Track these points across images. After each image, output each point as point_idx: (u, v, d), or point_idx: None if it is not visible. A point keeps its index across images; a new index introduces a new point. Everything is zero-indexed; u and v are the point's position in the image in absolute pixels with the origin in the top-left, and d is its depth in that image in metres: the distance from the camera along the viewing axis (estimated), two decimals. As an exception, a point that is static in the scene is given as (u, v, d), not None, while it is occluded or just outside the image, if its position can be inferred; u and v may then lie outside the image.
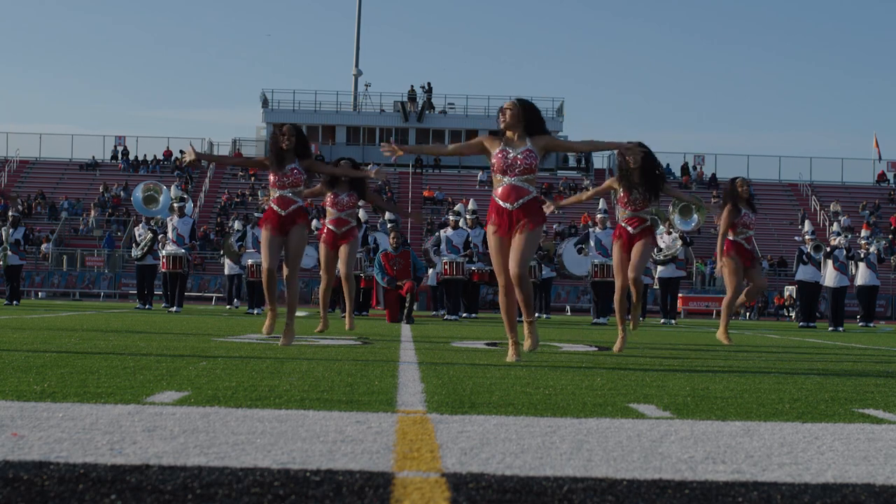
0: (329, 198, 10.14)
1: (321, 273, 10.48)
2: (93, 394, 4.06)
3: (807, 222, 21.10)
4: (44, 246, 38.18)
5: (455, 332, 11.61)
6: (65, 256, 38.89)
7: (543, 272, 20.19)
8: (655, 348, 9.09)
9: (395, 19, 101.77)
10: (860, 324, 20.44)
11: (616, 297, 8.52)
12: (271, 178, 8.04)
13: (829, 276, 19.13)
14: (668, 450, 3.05)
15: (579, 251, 18.26)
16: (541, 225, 6.85)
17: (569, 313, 31.07)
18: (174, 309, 18.30)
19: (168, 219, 19.12)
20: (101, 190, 45.50)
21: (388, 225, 18.86)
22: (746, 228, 10.29)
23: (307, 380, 4.88)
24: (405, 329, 12.19)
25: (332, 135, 52.35)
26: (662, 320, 19.14)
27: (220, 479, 2.45)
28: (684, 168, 50.05)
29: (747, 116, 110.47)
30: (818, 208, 46.36)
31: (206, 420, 3.39)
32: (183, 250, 18.81)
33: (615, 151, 8.82)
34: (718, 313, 33.92)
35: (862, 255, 19.89)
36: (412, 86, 53.09)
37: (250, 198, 44.15)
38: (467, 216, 18.74)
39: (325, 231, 10.32)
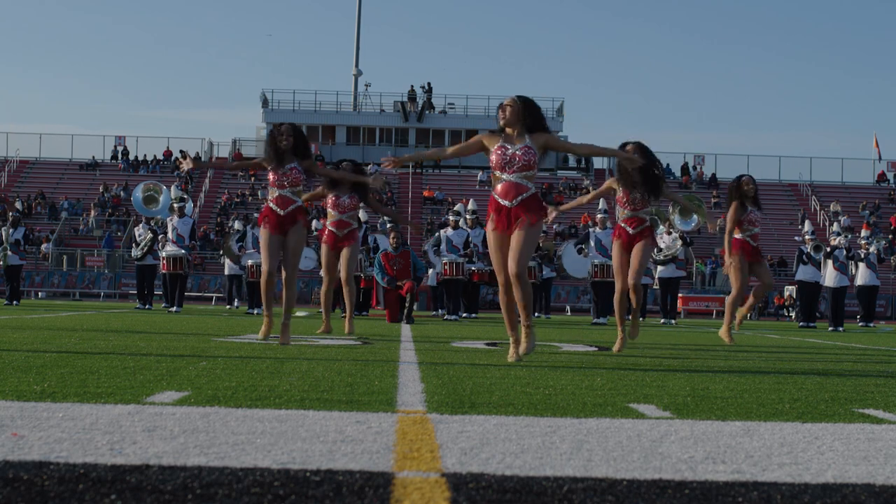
0: (330, 199, 10.13)
1: (323, 275, 10.44)
2: (93, 394, 4.06)
3: (807, 222, 21.10)
4: (44, 246, 38.18)
5: (455, 332, 11.60)
6: (65, 256, 38.89)
7: (543, 272, 20.21)
8: (655, 348, 9.09)
9: (395, 19, 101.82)
10: (860, 324, 20.44)
11: (616, 298, 8.52)
12: (270, 177, 8.03)
13: (829, 277, 19.13)
14: (668, 450, 3.05)
15: (579, 251, 18.27)
16: (540, 221, 6.81)
17: (569, 313, 31.07)
18: (174, 309, 18.29)
19: (168, 219, 19.11)
20: (101, 190, 45.50)
21: (388, 225, 18.88)
22: (752, 226, 10.31)
23: (307, 380, 4.88)
24: (405, 329, 12.19)
25: (332, 135, 52.35)
26: (662, 320, 19.14)
27: (220, 479, 2.45)
28: (684, 168, 50.05)
29: (747, 116, 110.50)
30: (818, 208, 46.36)
31: (206, 420, 3.39)
32: (183, 251, 18.80)
33: (619, 146, 8.80)
34: (719, 313, 34.01)
35: (862, 256, 19.89)
36: (412, 86, 53.14)
37: (250, 198, 44.16)
38: (467, 216, 18.74)
39: (326, 233, 10.29)
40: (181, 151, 50.17)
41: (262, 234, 8.03)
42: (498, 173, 6.79)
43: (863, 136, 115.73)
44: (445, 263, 17.89)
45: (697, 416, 3.90)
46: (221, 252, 23.03)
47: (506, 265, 6.76)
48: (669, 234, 18.63)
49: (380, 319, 16.05)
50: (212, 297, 33.71)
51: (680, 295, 29.26)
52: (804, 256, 19.30)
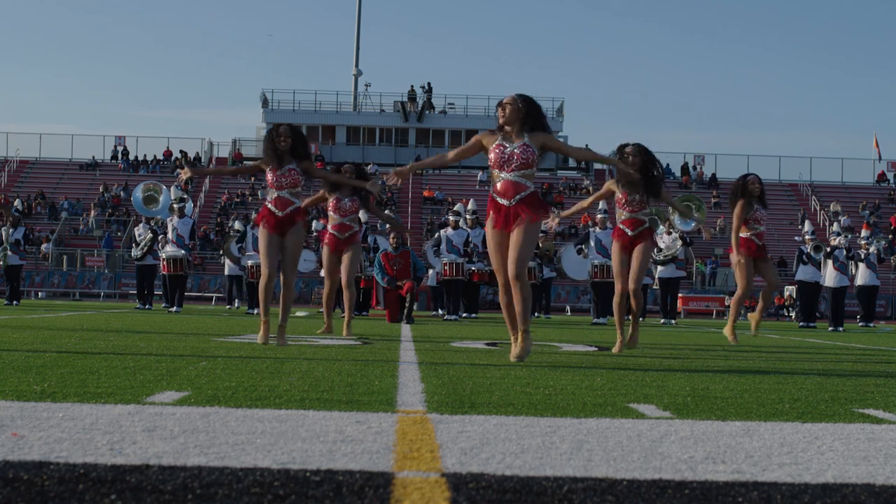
0: (332, 202, 10.10)
1: (324, 277, 10.42)
2: (93, 394, 4.05)
3: (807, 222, 21.10)
4: (44, 246, 38.18)
5: (455, 332, 11.60)
6: (65, 256, 38.90)
7: (543, 273, 20.20)
8: (655, 348, 9.09)
9: (395, 19, 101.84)
10: (860, 324, 20.44)
11: (615, 301, 8.49)
12: (268, 178, 8.00)
13: (829, 277, 19.13)
14: (668, 450, 3.05)
15: (579, 251, 18.27)
16: (540, 219, 6.75)
17: (569, 313, 31.06)
18: (174, 309, 18.29)
19: (168, 219, 19.12)
20: (101, 190, 45.50)
21: (388, 226, 18.87)
22: (758, 224, 10.34)
23: (307, 380, 4.88)
24: (405, 329, 12.19)
25: (332, 135, 52.35)
26: (662, 320, 19.14)
27: (220, 479, 2.45)
28: (684, 168, 50.05)
29: (747, 116, 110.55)
30: (818, 208, 46.36)
31: (206, 420, 3.39)
32: (183, 252, 18.80)
33: (615, 151, 8.79)
34: (719, 313, 34.01)
35: (862, 256, 19.89)
36: (412, 86, 53.16)
37: (250, 198, 44.16)
38: (467, 216, 18.74)
39: (327, 236, 10.25)
40: (180, 152, 49.77)
41: (261, 233, 8.01)
42: (496, 172, 6.75)
43: (863, 136, 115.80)
44: (445, 264, 17.89)
45: (697, 416, 3.90)
46: (221, 252, 23.03)
47: (505, 265, 6.74)
48: (669, 234, 18.63)
49: (380, 319, 16.05)
50: (212, 297, 33.70)
51: (680, 295, 29.27)
52: (804, 256, 19.30)
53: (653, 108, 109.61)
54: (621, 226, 8.45)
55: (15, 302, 20.10)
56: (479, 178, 46.91)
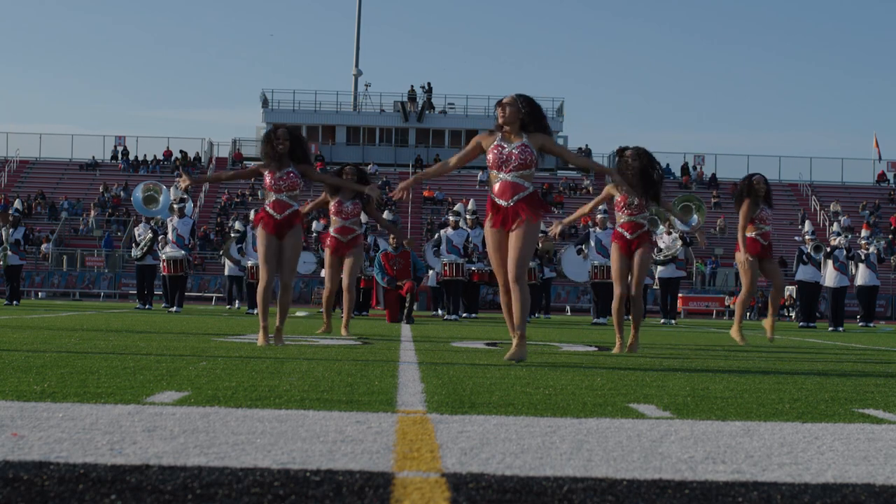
0: (334, 205, 10.07)
1: (325, 280, 10.38)
2: (93, 394, 4.05)
3: (807, 222, 21.11)
4: (44, 246, 38.16)
5: (455, 332, 11.60)
6: (65, 256, 38.91)
7: (544, 273, 20.21)
8: (655, 348, 9.09)
9: (395, 19, 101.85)
10: (860, 324, 20.44)
11: (614, 305, 8.46)
12: (266, 181, 7.97)
13: (829, 277, 19.13)
14: (668, 450, 3.05)
15: (579, 251, 18.27)
16: (539, 219, 6.70)
17: (569, 313, 31.07)
18: (174, 309, 18.30)
19: (168, 219, 19.11)
20: (101, 190, 45.51)
21: (384, 218, 18.87)
22: (763, 224, 10.37)
23: (307, 380, 4.88)
24: (405, 329, 12.19)
25: (332, 135, 52.35)
26: (662, 320, 19.14)
27: (220, 479, 2.45)
28: (684, 168, 50.06)
29: (747, 116, 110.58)
30: (818, 208, 46.37)
31: (206, 420, 3.39)
32: (183, 252, 18.80)
33: (615, 153, 8.79)
34: (719, 313, 34.01)
35: (862, 256, 19.89)
36: (412, 86, 53.17)
37: (250, 198, 44.16)
38: (467, 216, 18.74)
39: (329, 238, 10.20)
40: (180, 152, 49.62)
41: (259, 236, 7.97)
42: (494, 172, 6.70)
43: (863, 136, 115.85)
44: (445, 264, 17.89)
45: (697, 416, 3.90)
46: (221, 253, 23.04)
47: (505, 266, 6.71)
48: (669, 234, 18.63)
49: (380, 319, 16.05)
50: (212, 297, 33.72)
51: (680, 295, 29.26)
52: (804, 256, 19.30)
53: (653, 108, 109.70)
54: (620, 229, 8.44)
55: (15, 302, 20.10)
56: (479, 178, 46.91)
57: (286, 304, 8.03)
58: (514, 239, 6.62)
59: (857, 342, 12.27)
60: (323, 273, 19.33)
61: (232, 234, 21.39)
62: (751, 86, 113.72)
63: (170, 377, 4.84)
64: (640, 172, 8.21)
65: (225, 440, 3.00)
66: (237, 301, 21.76)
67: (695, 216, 18.40)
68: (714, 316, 33.87)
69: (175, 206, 18.95)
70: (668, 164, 49.69)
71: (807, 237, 19.49)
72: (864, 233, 21.75)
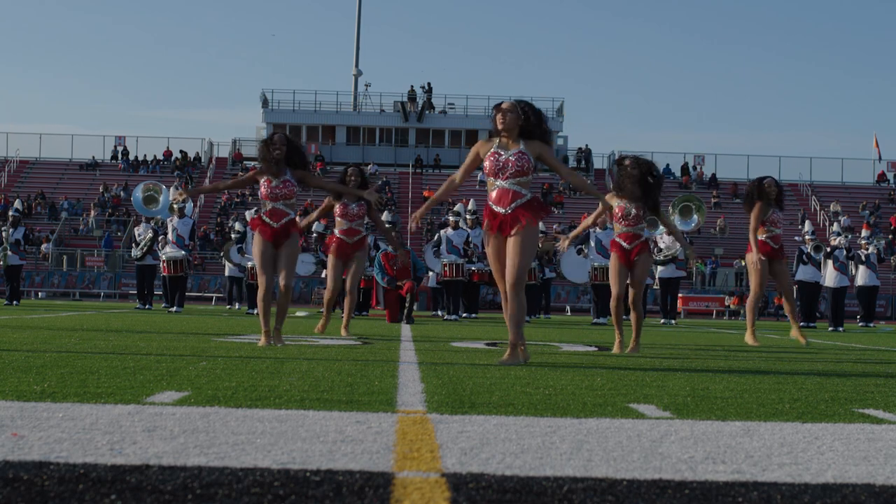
0: (338, 208, 10.05)
1: (328, 280, 10.34)
2: (93, 394, 4.06)
3: (807, 222, 21.11)
4: (44, 246, 38.19)
5: (455, 332, 11.61)
6: (65, 256, 38.90)
7: (544, 273, 20.21)
8: (655, 348, 9.09)
9: (395, 19, 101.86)
10: (860, 324, 20.44)
11: (612, 304, 8.48)
12: (263, 190, 7.95)
13: (829, 277, 19.13)
14: (668, 450, 3.05)
15: (579, 251, 18.27)
16: (538, 224, 6.64)
17: (569, 313, 31.07)
18: (174, 309, 18.30)
19: (168, 219, 19.11)
20: (101, 190, 45.51)
21: (387, 226, 18.87)
22: (774, 226, 10.43)
23: (307, 380, 4.88)
24: (405, 329, 12.20)
25: (332, 135, 52.34)
26: (662, 320, 19.14)
27: (220, 479, 2.45)
28: (684, 168, 50.05)
29: (747, 116, 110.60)
30: (818, 208, 46.37)
31: (206, 420, 3.39)
32: (183, 253, 18.80)
33: (614, 162, 8.80)
34: (719, 313, 33.99)
35: (862, 257, 19.89)
36: (412, 86, 53.15)
37: (250, 198, 44.15)
38: (467, 216, 18.74)
39: (335, 240, 10.15)
40: (180, 152, 49.48)
41: (256, 242, 7.95)
42: (491, 179, 6.62)
43: (863, 136, 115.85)
44: (445, 264, 17.89)
45: (697, 416, 3.90)
46: (222, 254, 23.05)
47: (504, 273, 6.63)
48: (669, 234, 18.61)
49: (380, 319, 16.05)
50: (212, 297, 33.72)
51: (680, 295, 29.26)
52: (804, 256, 19.30)
53: (653, 108, 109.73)
54: (618, 239, 8.45)
55: (15, 302, 20.10)
56: (479, 179, 46.87)
57: (285, 305, 8.03)
58: (512, 245, 6.52)
59: (857, 342, 12.27)
60: (324, 274, 19.36)
61: (232, 235, 21.39)
62: (751, 86, 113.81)
63: (170, 377, 4.85)
64: (640, 180, 8.24)
65: (225, 440, 3.00)
66: (237, 303, 21.76)
67: (695, 216, 18.42)
68: (714, 316, 33.87)
69: (175, 206, 18.95)
70: (668, 164, 49.68)
71: (807, 237, 19.49)
72: (864, 233, 21.75)
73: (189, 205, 20.36)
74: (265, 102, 52.08)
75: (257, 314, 17.02)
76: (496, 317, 19.38)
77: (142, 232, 19.87)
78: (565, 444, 3.08)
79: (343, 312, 10.38)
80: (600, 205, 8.61)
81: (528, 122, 6.63)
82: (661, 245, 18.54)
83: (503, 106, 6.67)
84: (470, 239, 18.05)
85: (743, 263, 38.35)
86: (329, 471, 2.57)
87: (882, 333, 16.83)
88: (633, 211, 8.33)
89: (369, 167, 47.46)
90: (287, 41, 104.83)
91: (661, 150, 49.60)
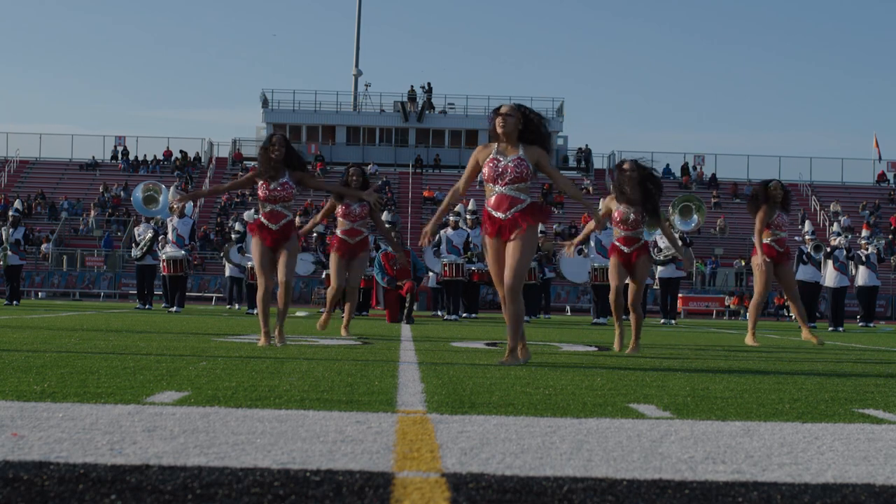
0: (341, 208, 10.05)
1: (332, 279, 10.29)
2: (93, 394, 4.06)
3: (807, 222, 21.10)
4: (44, 246, 38.19)
5: (455, 332, 11.61)
6: (65, 256, 38.90)
7: (544, 273, 20.21)
8: (655, 348, 9.10)
9: (395, 19, 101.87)
10: (860, 324, 20.44)
11: (611, 296, 8.51)
12: (260, 192, 7.96)
13: (830, 277, 19.13)
14: (668, 450, 3.05)
15: (579, 251, 18.27)
16: (536, 225, 6.60)
17: (569, 313, 31.07)
18: (174, 309, 18.30)
19: (168, 219, 19.11)
20: (101, 190, 45.50)
21: (387, 226, 18.87)
22: (779, 230, 10.45)
23: (307, 380, 4.88)
24: (405, 329, 12.20)
25: (332, 135, 52.34)
26: (662, 320, 19.14)
27: (220, 479, 2.45)
28: (684, 168, 50.05)
29: (747, 116, 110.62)
30: (818, 208, 46.37)
31: (206, 420, 3.39)
32: (183, 252, 18.80)
33: (615, 167, 8.82)
34: (719, 313, 34.00)
35: (862, 257, 19.89)
36: (412, 86, 53.14)
37: (250, 198, 44.15)
38: (467, 216, 18.74)
39: (337, 240, 10.14)
40: (180, 152, 49.42)
41: (255, 244, 7.96)
42: (490, 185, 6.60)
43: (863, 136, 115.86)
44: (445, 264, 17.89)
45: (697, 416, 3.90)
46: (222, 255, 23.06)
47: (503, 278, 6.60)
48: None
49: (380, 319, 16.05)
50: (212, 297, 33.72)
51: (680, 295, 29.26)
52: (804, 256, 19.29)
53: (653, 108, 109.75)
54: (617, 243, 8.48)
55: (15, 302, 20.10)
56: (479, 179, 46.84)
57: (286, 301, 8.03)
58: (511, 250, 6.50)
59: (857, 342, 12.27)
60: (324, 274, 19.35)
61: (232, 236, 21.38)
62: (751, 86, 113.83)
63: (170, 377, 4.85)
64: (639, 185, 8.27)
65: (225, 440, 3.00)
66: (237, 303, 21.76)
67: (695, 216, 18.41)
68: (714, 316, 33.87)
69: (175, 206, 18.94)
70: (668, 164, 49.68)
71: (807, 237, 19.49)
72: (864, 233, 21.75)
73: (189, 204, 20.34)
74: (265, 102, 52.08)
75: (257, 314, 17.02)
76: (496, 317, 19.38)
77: (142, 232, 19.87)
78: (565, 444, 3.08)
79: (344, 312, 10.38)
80: (602, 210, 8.66)
81: (528, 126, 6.62)
82: (661, 245, 18.54)
83: (502, 110, 6.64)
84: (470, 239, 18.05)
85: (743, 264, 38.37)
86: (329, 471, 2.58)
87: (882, 333, 16.83)
88: (632, 216, 8.36)
89: (369, 167, 47.45)
90: (287, 41, 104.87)
91: (661, 150, 49.65)
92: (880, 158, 51.38)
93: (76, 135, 58.88)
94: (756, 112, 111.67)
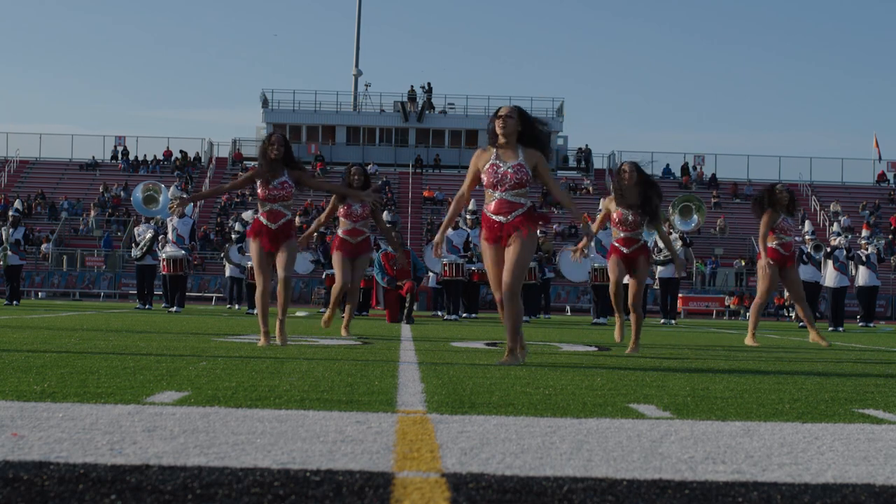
0: (342, 209, 10.05)
1: (336, 276, 10.26)
2: (93, 394, 4.06)
3: (807, 222, 21.10)
4: (44, 246, 38.18)
5: (455, 332, 11.61)
6: (65, 256, 38.90)
7: (544, 273, 20.22)
8: (655, 348, 9.10)
9: (395, 19, 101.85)
10: (860, 324, 20.44)
11: (611, 289, 8.55)
12: (260, 191, 7.96)
13: (830, 277, 19.13)
14: (668, 450, 3.05)
15: (579, 251, 18.26)
16: (535, 231, 6.59)
17: (569, 313, 31.07)
18: (174, 309, 18.30)
19: (168, 219, 19.12)
20: (101, 190, 45.50)
21: (387, 226, 18.87)
22: (784, 234, 10.46)
23: (307, 380, 4.88)
24: (405, 329, 12.20)
25: (332, 135, 52.33)
26: (662, 320, 19.14)
27: (220, 479, 2.45)
28: (684, 168, 50.04)
29: (747, 116, 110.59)
30: (818, 208, 46.36)
31: (206, 420, 3.39)
32: (182, 252, 18.81)
33: (616, 171, 8.87)
34: (719, 313, 34.00)
35: (862, 257, 19.88)
36: (412, 86, 53.13)
37: (250, 198, 44.16)
38: (467, 216, 18.74)
39: (339, 240, 10.12)
40: (180, 152, 49.40)
41: (253, 248, 7.96)
42: (490, 191, 6.58)
43: (863, 136, 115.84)
44: (445, 264, 17.89)
45: (697, 416, 3.90)
46: (223, 256, 23.07)
47: (500, 282, 6.59)
48: (669, 234, 18.64)
49: (380, 319, 16.05)
50: (212, 297, 33.72)
51: (680, 295, 29.26)
52: (804, 256, 19.29)
53: (653, 108, 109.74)
54: (616, 244, 8.49)
55: (15, 302, 20.10)
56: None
57: (287, 300, 8.03)
58: (510, 254, 6.50)
59: (857, 342, 12.27)
60: (324, 274, 19.35)
61: (232, 236, 21.38)
62: (751, 86, 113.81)
63: (170, 377, 4.85)
64: (637, 185, 8.29)
65: (225, 440, 3.00)
66: (237, 303, 21.76)
67: (695, 216, 18.41)
68: (714, 316, 33.87)
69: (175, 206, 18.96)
70: (668, 165, 49.70)
71: (807, 237, 19.49)
72: (864, 233, 21.75)
73: (189, 205, 20.36)
74: (265, 102, 52.07)
75: (257, 314, 17.02)
76: (496, 317, 19.36)
77: (142, 232, 19.87)
78: (565, 444, 3.08)
79: (344, 313, 10.38)
80: (603, 211, 8.69)
81: (528, 128, 6.61)
82: (661, 245, 18.53)
83: (501, 112, 6.63)
84: (470, 239, 18.05)
85: (743, 264, 38.38)
86: (329, 471, 2.57)
87: (882, 333, 16.84)
88: (631, 217, 8.37)
89: (369, 167, 47.43)
90: (287, 41, 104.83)
91: (661, 150, 49.70)
92: (880, 158, 51.38)
93: (76, 135, 58.90)
94: (756, 112, 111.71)
